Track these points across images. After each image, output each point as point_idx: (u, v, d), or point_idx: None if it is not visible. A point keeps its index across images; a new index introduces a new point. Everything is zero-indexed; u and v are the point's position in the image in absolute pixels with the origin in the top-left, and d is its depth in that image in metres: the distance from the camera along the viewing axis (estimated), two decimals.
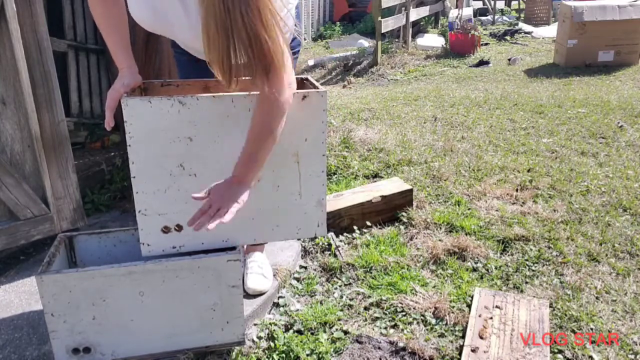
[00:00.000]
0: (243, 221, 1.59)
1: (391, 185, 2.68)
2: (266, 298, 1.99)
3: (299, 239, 2.37)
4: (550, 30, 8.81)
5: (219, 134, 1.50)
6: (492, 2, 10.48)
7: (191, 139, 1.49)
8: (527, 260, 2.24)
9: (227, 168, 1.52)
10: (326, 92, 1.53)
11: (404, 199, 2.63)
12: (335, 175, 3.14)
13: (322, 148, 1.59)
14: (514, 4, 12.11)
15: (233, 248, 1.62)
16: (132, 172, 1.48)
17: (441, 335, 1.83)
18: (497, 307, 1.92)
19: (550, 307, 1.94)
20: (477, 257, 2.26)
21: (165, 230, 1.56)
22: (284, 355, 1.74)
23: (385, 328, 1.86)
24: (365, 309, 1.97)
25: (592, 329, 1.84)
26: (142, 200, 1.52)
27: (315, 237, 2.35)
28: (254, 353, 1.75)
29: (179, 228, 1.57)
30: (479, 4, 11.56)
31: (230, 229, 1.59)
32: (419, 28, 9.26)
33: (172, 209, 1.54)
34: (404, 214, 2.60)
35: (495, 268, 2.20)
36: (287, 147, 1.55)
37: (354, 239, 2.44)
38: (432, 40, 8.55)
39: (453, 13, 9.04)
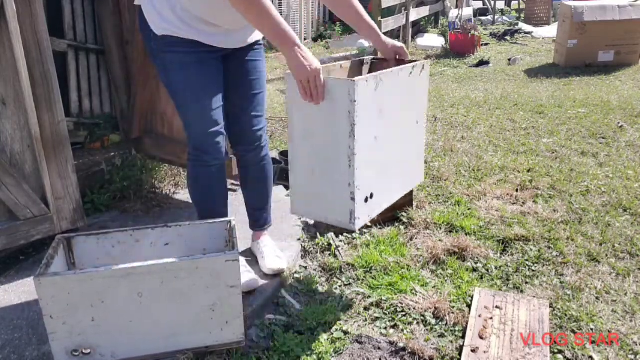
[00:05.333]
0: (395, 177, 1.93)
1: None
2: (266, 298, 1.99)
3: (298, 239, 2.38)
4: (550, 30, 8.80)
5: (399, 103, 1.77)
6: (492, 2, 10.47)
7: (382, 110, 1.69)
8: (527, 260, 2.24)
9: (406, 135, 1.91)
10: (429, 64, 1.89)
11: (404, 199, 2.62)
12: None
13: (424, 114, 2.05)
14: (514, 4, 12.11)
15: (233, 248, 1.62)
16: (356, 149, 1.61)
17: (441, 336, 1.82)
18: (497, 307, 1.92)
19: (550, 307, 1.94)
20: (477, 257, 2.26)
21: (365, 200, 1.71)
22: (284, 355, 1.73)
23: (385, 328, 1.86)
24: (365, 309, 1.97)
25: (592, 329, 1.83)
26: (358, 175, 1.64)
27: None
28: (254, 353, 1.75)
29: (372, 196, 1.75)
30: (479, 4, 11.56)
31: (392, 184, 1.92)
32: (419, 28, 9.26)
33: (369, 180, 1.70)
34: (404, 214, 2.60)
35: (495, 268, 2.20)
36: (412, 113, 1.97)
37: (354, 239, 2.44)
38: (432, 40, 8.55)
39: (453, 13, 9.04)
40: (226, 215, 2.02)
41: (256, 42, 2.02)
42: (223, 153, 1.96)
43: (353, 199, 1.66)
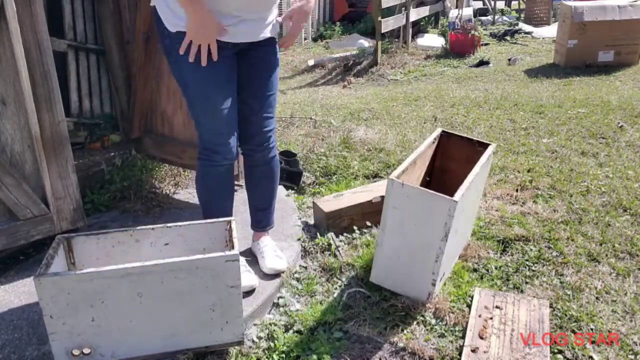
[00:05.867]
0: (457, 251, 2.17)
1: None
2: (266, 298, 1.99)
3: (298, 239, 2.38)
4: (550, 30, 8.80)
5: (474, 193, 2.02)
6: (492, 2, 10.47)
7: (464, 209, 1.91)
8: (527, 260, 2.24)
9: (471, 212, 2.19)
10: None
11: None
12: (335, 175, 3.14)
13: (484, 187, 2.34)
14: (514, 4, 12.10)
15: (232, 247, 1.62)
16: (446, 249, 1.84)
17: (441, 336, 1.82)
18: (497, 307, 1.92)
19: (550, 307, 1.94)
20: (477, 257, 2.26)
21: (440, 280, 1.95)
22: (284, 355, 1.73)
23: (385, 328, 1.86)
24: (365, 309, 1.97)
25: (592, 329, 1.83)
26: (440, 266, 1.87)
27: None
28: (254, 353, 1.75)
29: (443, 275, 2.00)
30: (479, 4, 11.55)
31: (455, 257, 2.18)
32: (419, 28, 9.26)
33: (445, 264, 1.91)
34: None
35: (495, 268, 2.20)
36: (479, 193, 2.24)
37: (354, 239, 2.43)
38: (432, 40, 8.54)
39: (453, 13, 9.03)
40: (231, 216, 2.02)
41: (271, 41, 1.98)
42: (234, 153, 1.95)
43: (434, 284, 1.90)
